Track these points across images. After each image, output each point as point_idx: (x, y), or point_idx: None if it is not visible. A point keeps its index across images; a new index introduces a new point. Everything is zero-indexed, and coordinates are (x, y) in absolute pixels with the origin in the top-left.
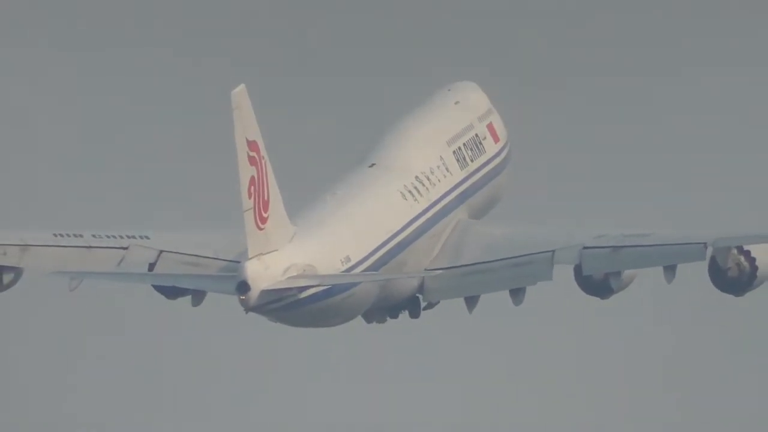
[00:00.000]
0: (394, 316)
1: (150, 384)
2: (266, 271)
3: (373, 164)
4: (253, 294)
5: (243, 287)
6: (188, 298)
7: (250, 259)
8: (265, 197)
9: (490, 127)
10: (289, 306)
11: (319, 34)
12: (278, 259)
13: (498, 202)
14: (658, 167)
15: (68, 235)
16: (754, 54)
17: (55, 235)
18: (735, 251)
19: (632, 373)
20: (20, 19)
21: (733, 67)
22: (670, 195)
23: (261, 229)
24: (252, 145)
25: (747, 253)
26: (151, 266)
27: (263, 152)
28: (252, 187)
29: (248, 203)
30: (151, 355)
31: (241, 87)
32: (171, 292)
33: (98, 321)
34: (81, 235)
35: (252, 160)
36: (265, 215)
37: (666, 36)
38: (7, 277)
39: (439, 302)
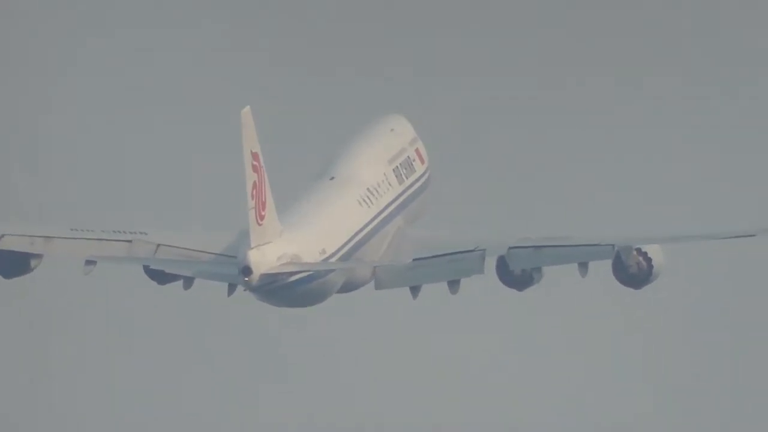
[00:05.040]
0: None
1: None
2: (264, 258)
3: (333, 177)
4: (255, 276)
5: (246, 271)
6: (178, 283)
7: (252, 248)
8: (263, 199)
9: (417, 151)
10: (280, 288)
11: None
12: (272, 250)
13: (425, 212)
14: (567, 175)
15: (82, 230)
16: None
17: (72, 230)
18: (635, 252)
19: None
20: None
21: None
22: (580, 200)
23: (260, 224)
24: (255, 155)
25: (645, 254)
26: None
27: (262, 162)
28: (254, 190)
29: (251, 203)
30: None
31: (247, 108)
32: (162, 279)
33: (104, 302)
34: (92, 231)
35: (255, 168)
36: (263, 213)
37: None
38: (34, 263)
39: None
